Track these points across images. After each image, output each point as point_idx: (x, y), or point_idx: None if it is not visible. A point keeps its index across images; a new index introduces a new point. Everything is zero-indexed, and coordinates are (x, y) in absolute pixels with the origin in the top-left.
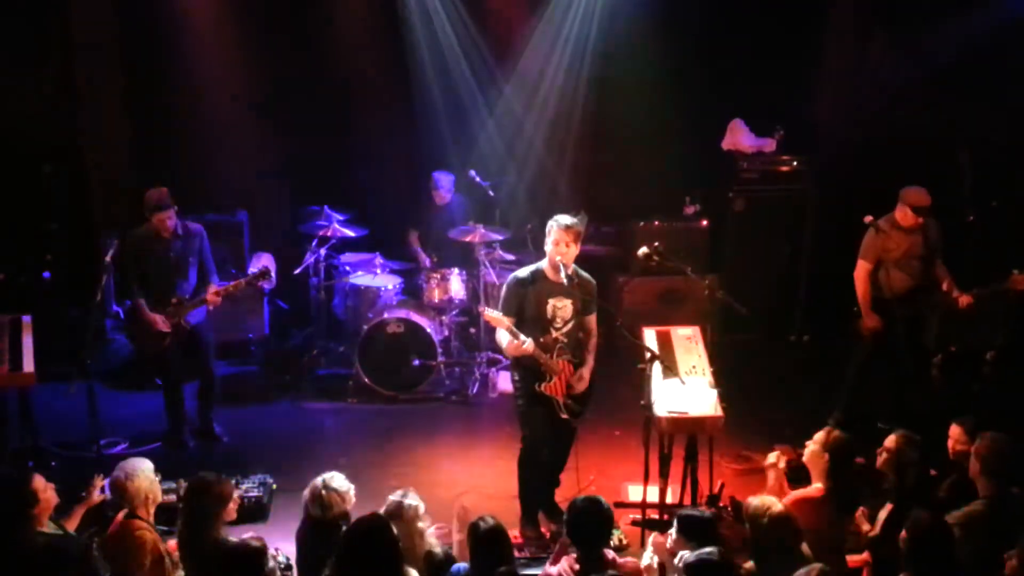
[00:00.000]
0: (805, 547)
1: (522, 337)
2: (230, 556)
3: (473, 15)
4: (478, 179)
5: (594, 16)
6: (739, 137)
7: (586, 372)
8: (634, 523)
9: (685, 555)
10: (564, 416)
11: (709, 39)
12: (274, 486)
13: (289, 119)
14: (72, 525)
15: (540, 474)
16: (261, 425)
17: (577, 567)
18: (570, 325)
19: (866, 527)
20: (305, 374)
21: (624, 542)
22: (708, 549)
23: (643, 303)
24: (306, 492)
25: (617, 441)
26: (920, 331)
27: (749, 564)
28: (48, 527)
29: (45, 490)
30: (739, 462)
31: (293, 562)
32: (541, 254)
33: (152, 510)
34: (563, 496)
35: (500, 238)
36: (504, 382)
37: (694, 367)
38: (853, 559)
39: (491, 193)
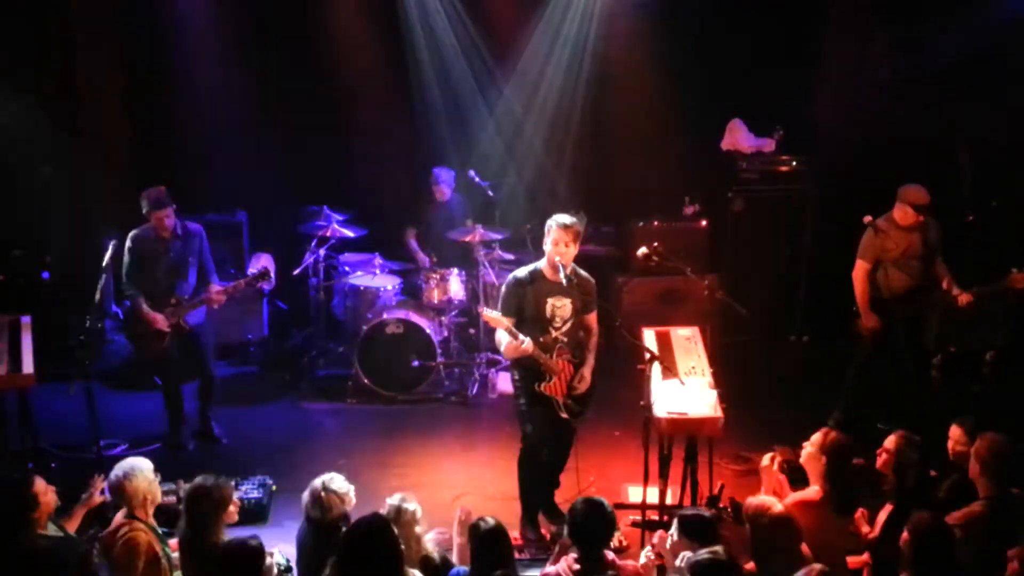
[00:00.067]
0: (805, 547)
1: (521, 337)
2: (227, 555)
3: (473, 15)
4: (477, 179)
5: (593, 16)
6: (738, 137)
7: (587, 372)
8: (634, 524)
9: (687, 555)
10: (564, 416)
11: (709, 39)
12: (274, 487)
13: (289, 119)
14: (73, 526)
15: (540, 475)
16: (261, 426)
17: (577, 567)
18: (569, 324)
19: (866, 528)
20: (304, 375)
21: (624, 543)
22: (713, 548)
23: (642, 303)
24: (306, 494)
25: (617, 442)
26: (920, 331)
27: (750, 565)
28: (49, 529)
29: (46, 493)
30: (739, 463)
31: (293, 563)
32: (540, 254)
33: (151, 511)
34: (563, 497)
35: (499, 238)
36: (503, 383)
37: (693, 368)
38: (853, 560)
39: (490, 193)
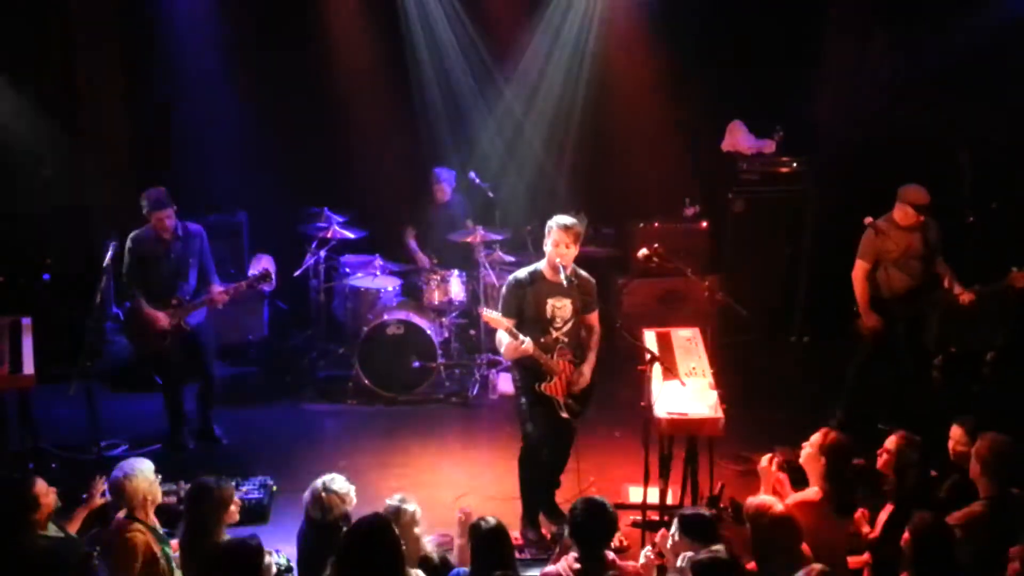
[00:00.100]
0: (805, 547)
1: (521, 337)
2: (226, 555)
3: (472, 15)
4: (478, 180)
5: (593, 16)
6: (738, 138)
7: (587, 369)
8: (634, 524)
9: (689, 555)
10: (565, 416)
11: (709, 40)
12: (274, 487)
13: (289, 120)
14: (73, 528)
15: (540, 475)
16: (261, 426)
17: (577, 566)
18: (570, 325)
19: (866, 528)
20: (305, 376)
21: (624, 543)
22: (716, 547)
23: (643, 304)
24: (306, 494)
25: (617, 442)
26: (920, 332)
27: (750, 565)
28: (49, 530)
29: (47, 494)
30: (739, 463)
31: (294, 563)
32: (541, 255)
33: (151, 511)
34: (563, 497)
35: (500, 239)
36: (504, 384)
37: (694, 368)
38: (853, 560)
39: (491, 194)
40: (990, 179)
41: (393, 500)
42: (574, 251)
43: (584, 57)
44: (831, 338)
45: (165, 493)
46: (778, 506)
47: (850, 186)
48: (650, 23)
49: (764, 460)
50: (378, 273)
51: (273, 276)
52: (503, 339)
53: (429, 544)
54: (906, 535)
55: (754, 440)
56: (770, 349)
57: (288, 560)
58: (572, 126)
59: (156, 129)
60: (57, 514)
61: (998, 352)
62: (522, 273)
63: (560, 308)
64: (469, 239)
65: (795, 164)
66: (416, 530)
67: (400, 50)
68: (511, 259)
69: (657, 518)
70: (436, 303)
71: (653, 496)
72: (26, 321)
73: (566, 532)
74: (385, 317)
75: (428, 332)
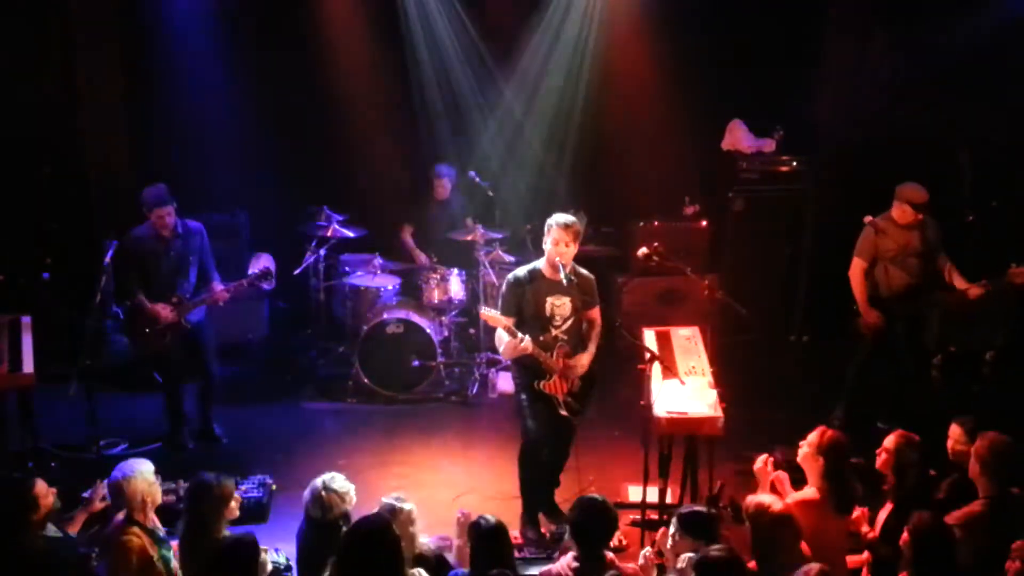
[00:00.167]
0: (804, 546)
1: (520, 335)
2: (223, 552)
3: (472, 16)
4: (478, 179)
5: (593, 16)
6: (739, 137)
7: (585, 358)
8: (633, 524)
9: (690, 555)
10: (564, 414)
11: (708, 39)
12: (274, 487)
13: (289, 119)
14: (74, 531)
15: (540, 474)
16: (261, 426)
17: (576, 565)
18: (569, 323)
19: (866, 528)
20: (305, 375)
21: (623, 543)
22: (718, 546)
23: (643, 303)
24: (306, 493)
25: (617, 441)
26: (920, 331)
27: (751, 564)
28: (48, 531)
29: (47, 496)
30: (739, 463)
31: (293, 562)
32: (540, 254)
33: (151, 512)
34: (563, 496)
35: (500, 238)
36: (504, 383)
37: (693, 367)
38: (853, 560)
39: (491, 193)
40: (990, 178)
41: (388, 498)
42: (573, 249)
43: (584, 57)
44: (831, 337)
45: (164, 492)
46: (778, 504)
47: (850, 185)
48: (650, 23)
49: (759, 461)
50: (378, 272)
51: (273, 274)
52: (502, 338)
53: (426, 544)
54: (905, 535)
55: (754, 439)
56: (770, 348)
57: (287, 559)
58: (572, 126)
59: (156, 129)
60: (57, 516)
61: (998, 352)
62: (521, 271)
63: (559, 306)
64: (469, 237)
65: (795, 163)
66: (412, 529)
67: (400, 50)
68: (511, 259)
69: (656, 517)
70: (436, 302)
71: (653, 495)
72: (26, 320)
73: (567, 532)
74: (385, 316)
75: (428, 331)
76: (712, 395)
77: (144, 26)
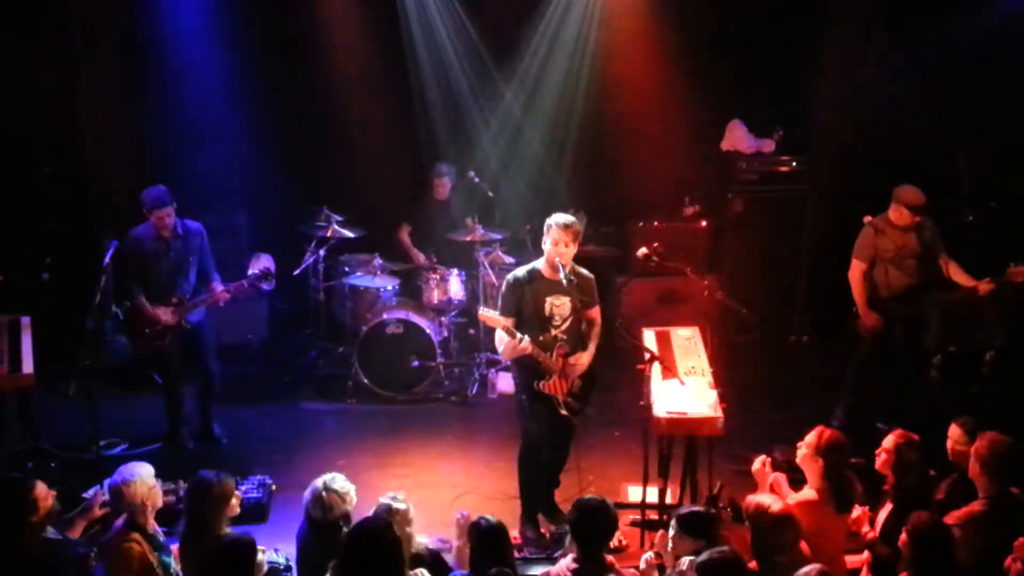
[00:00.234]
0: (804, 545)
1: (519, 335)
2: (220, 551)
3: (472, 15)
4: (477, 179)
5: (593, 17)
6: (738, 138)
7: (585, 357)
8: (633, 524)
9: (691, 558)
10: (564, 413)
11: (708, 39)
12: (273, 487)
13: (289, 120)
14: (74, 536)
15: (540, 473)
16: (260, 426)
17: (575, 567)
18: (569, 323)
19: (866, 528)
20: (304, 375)
21: (623, 543)
22: (719, 548)
23: (642, 304)
24: (307, 493)
25: (616, 442)
26: (919, 331)
27: (751, 564)
28: (49, 535)
29: (46, 498)
30: (738, 463)
31: (293, 562)
32: (540, 254)
33: (151, 516)
34: (563, 496)
35: (499, 238)
36: (503, 383)
37: (693, 368)
38: (852, 560)
39: (491, 193)
40: (989, 179)
41: (385, 499)
42: (573, 249)
43: (584, 57)
44: (831, 338)
45: (164, 493)
46: (777, 504)
47: (849, 186)
48: (650, 23)
49: (757, 463)
50: (377, 272)
51: (273, 275)
52: (502, 338)
53: (423, 544)
54: (903, 535)
55: (753, 440)
56: (770, 348)
57: (287, 559)
58: (572, 126)
59: (156, 129)
60: (57, 517)
61: (997, 352)
62: (521, 271)
63: (559, 306)
64: (469, 238)
65: (795, 164)
66: (408, 529)
67: (400, 50)
68: (510, 259)
69: (656, 517)
70: (435, 302)
71: (652, 495)
72: (25, 320)
73: (567, 532)
74: (384, 316)
75: (427, 331)
76: (712, 395)
77: (144, 26)
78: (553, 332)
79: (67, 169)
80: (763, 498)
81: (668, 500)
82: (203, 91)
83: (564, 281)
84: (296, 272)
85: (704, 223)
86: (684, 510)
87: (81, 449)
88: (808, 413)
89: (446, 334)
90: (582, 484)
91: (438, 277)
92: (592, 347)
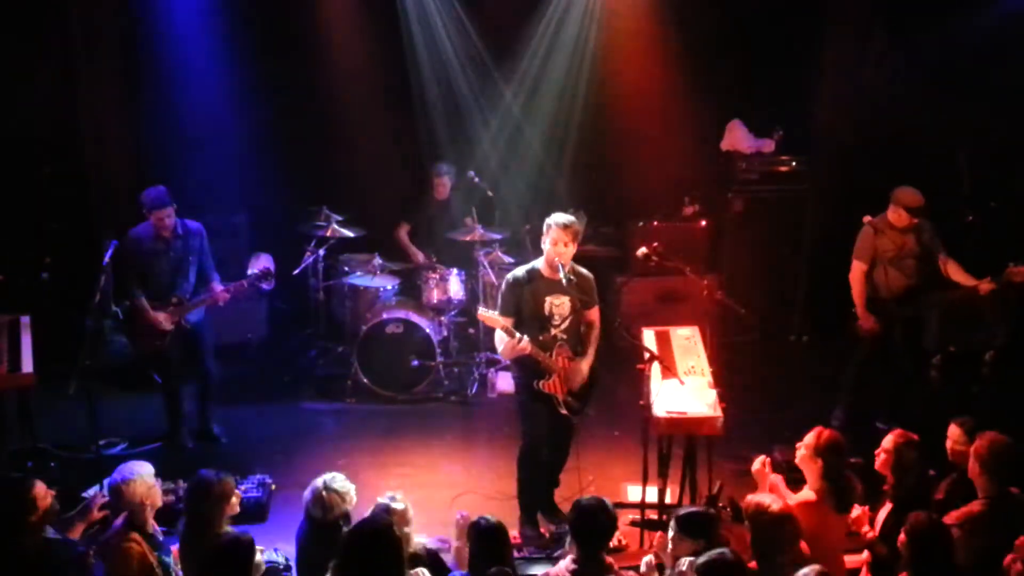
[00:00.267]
0: (804, 545)
1: (518, 335)
2: (219, 550)
3: (472, 16)
4: (477, 179)
5: (593, 16)
6: (738, 137)
7: (584, 365)
8: (633, 523)
9: (691, 559)
10: (564, 413)
11: (708, 39)
12: (273, 486)
13: (289, 120)
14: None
15: (540, 473)
16: (260, 426)
17: (574, 568)
18: (568, 322)
19: (866, 528)
20: (304, 375)
21: (623, 543)
22: (720, 550)
23: (642, 303)
24: (307, 493)
25: (616, 441)
26: (919, 331)
27: (751, 564)
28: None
29: (45, 498)
30: (738, 462)
31: (292, 562)
32: (540, 254)
33: (150, 516)
34: (563, 496)
35: (499, 238)
36: (503, 382)
37: (693, 367)
38: (852, 560)
39: (490, 193)
40: (989, 179)
41: (383, 498)
42: (572, 249)
43: (584, 57)
44: (831, 338)
45: (164, 492)
46: (777, 503)
47: (849, 186)
48: (650, 23)
49: (757, 463)
50: (377, 272)
51: (273, 275)
52: (500, 339)
53: (420, 544)
54: (902, 535)
55: (753, 439)
56: (770, 348)
57: (286, 559)
58: (572, 126)
59: (156, 129)
60: (56, 517)
61: (997, 352)
62: (520, 271)
63: (558, 306)
64: (468, 238)
65: (794, 163)
66: (406, 529)
67: (399, 50)
68: (510, 259)
69: (656, 517)
70: (435, 302)
71: (652, 495)
72: (25, 319)
73: (566, 532)
74: (384, 316)
75: (427, 331)
76: (711, 395)
77: (144, 26)
78: (553, 332)
79: (67, 169)
80: (763, 497)
81: (668, 500)
82: (203, 91)
83: (564, 281)
84: (296, 272)
85: (704, 223)
86: (683, 511)
87: (81, 449)
88: (808, 413)
89: (446, 334)
90: (582, 484)
91: (438, 277)
92: (591, 352)
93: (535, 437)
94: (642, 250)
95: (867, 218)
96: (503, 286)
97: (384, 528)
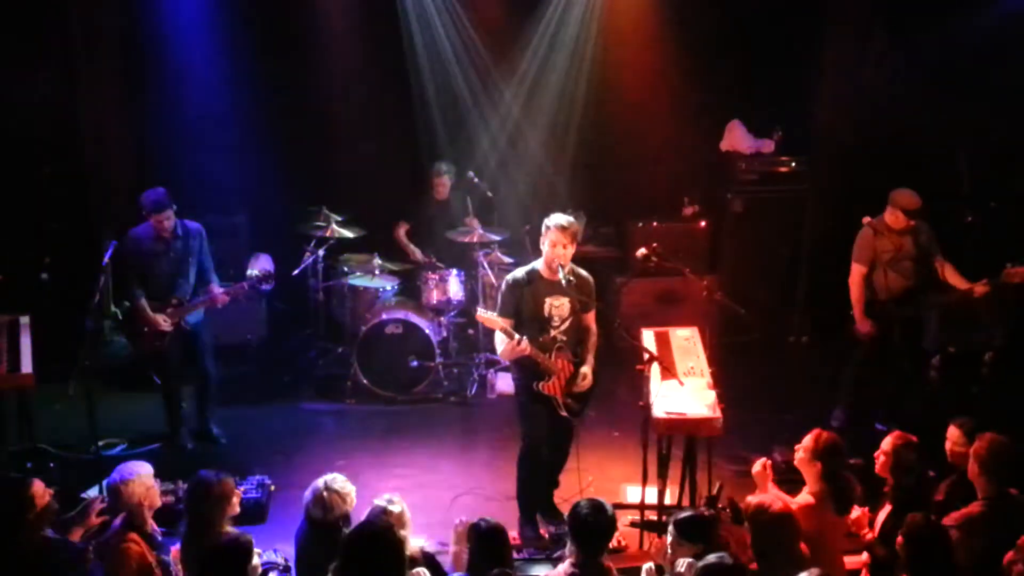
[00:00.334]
0: (803, 546)
1: (517, 336)
2: (217, 551)
3: (472, 15)
4: (476, 180)
5: (593, 16)
6: (737, 138)
7: (588, 371)
8: (632, 524)
9: (690, 561)
10: (564, 414)
11: (708, 39)
12: (272, 487)
13: (288, 120)
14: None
15: (539, 474)
16: (259, 426)
17: (572, 571)
18: (568, 323)
19: (865, 529)
20: (304, 375)
21: (622, 543)
22: (719, 554)
23: (641, 304)
24: (307, 493)
25: (616, 442)
26: (918, 332)
27: (752, 565)
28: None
29: (43, 496)
30: (738, 463)
31: (292, 563)
32: (539, 255)
33: (149, 516)
34: (562, 497)
35: (499, 239)
36: (502, 383)
37: (692, 368)
38: (852, 561)
39: (490, 194)
40: (989, 179)
41: (380, 501)
42: (571, 250)
43: (583, 57)
44: (830, 338)
45: (163, 493)
46: (777, 503)
47: (849, 186)
48: (649, 23)
49: (757, 465)
50: (377, 272)
51: (273, 276)
52: (499, 340)
53: (420, 547)
54: (899, 537)
55: (753, 440)
56: (769, 349)
57: (286, 560)
58: (572, 126)
59: (156, 129)
60: (55, 517)
61: (997, 352)
62: (519, 272)
63: (558, 307)
64: (468, 238)
65: (794, 164)
66: (403, 531)
67: (399, 50)
68: (509, 260)
69: (655, 518)
70: (434, 302)
71: (651, 496)
72: (24, 320)
73: (566, 533)
74: (383, 316)
75: (426, 331)
76: (711, 396)
77: (144, 26)
78: (552, 333)
79: (67, 169)
80: (763, 498)
81: (667, 500)
82: (203, 91)
83: (563, 282)
84: (295, 272)
85: (703, 223)
86: (681, 515)
87: (80, 449)
88: (807, 413)
89: (445, 334)
90: (581, 484)
91: (437, 277)
92: (591, 359)
93: (535, 438)
94: (641, 251)
95: (867, 219)
96: (502, 287)
97: (385, 530)
